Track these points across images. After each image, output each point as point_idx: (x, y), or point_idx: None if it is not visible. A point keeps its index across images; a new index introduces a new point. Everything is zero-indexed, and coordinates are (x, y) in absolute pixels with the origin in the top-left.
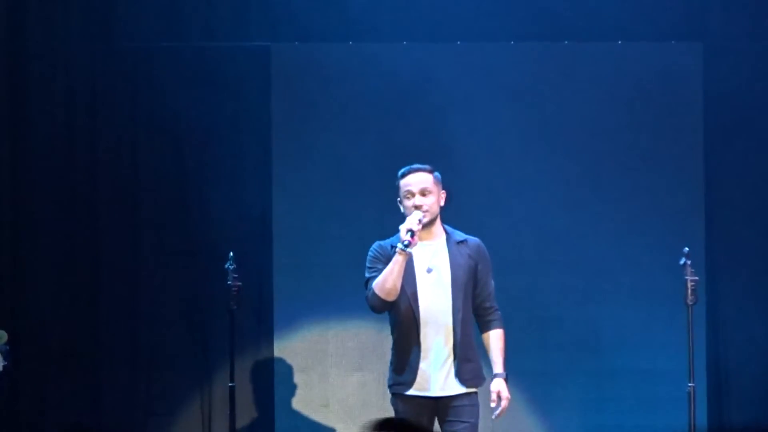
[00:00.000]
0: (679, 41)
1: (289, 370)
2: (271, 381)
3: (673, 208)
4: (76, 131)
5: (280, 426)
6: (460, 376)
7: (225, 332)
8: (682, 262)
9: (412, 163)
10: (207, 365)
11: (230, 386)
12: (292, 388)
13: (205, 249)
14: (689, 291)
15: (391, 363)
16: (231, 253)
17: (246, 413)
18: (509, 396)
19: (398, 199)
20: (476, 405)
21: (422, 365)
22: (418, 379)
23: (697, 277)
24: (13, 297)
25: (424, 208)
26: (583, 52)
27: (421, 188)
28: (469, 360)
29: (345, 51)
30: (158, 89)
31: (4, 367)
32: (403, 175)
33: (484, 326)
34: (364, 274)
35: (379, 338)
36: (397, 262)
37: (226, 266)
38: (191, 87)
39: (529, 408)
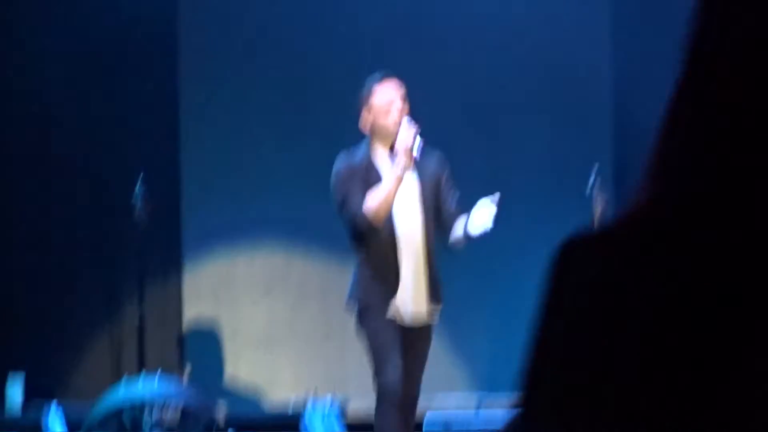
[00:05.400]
0: None
1: (198, 297)
2: (179, 308)
3: None
4: None
5: (191, 354)
6: (435, 296)
7: (134, 260)
8: None
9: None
10: (115, 294)
11: (139, 315)
12: (201, 315)
13: (114, 174)
14: None
15: (358, 285)
16: (141, 174)
17: (156, 343)
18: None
19: (365, 108)
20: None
21: (401, 293)
22: (396, 307)
23: None
24: None
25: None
26: None
27: (403, 93)
28: (437, 280)
29: None
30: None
31: None
32: (380, 83)
33: (452, 227)
34: (335, 199)
35: (288, 264)
36: (397, 181)
37: (136, 190)
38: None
39: None
